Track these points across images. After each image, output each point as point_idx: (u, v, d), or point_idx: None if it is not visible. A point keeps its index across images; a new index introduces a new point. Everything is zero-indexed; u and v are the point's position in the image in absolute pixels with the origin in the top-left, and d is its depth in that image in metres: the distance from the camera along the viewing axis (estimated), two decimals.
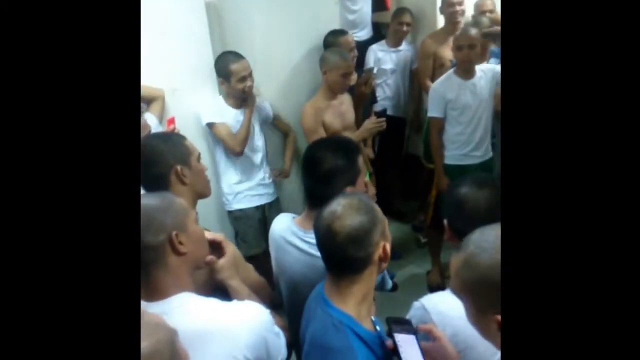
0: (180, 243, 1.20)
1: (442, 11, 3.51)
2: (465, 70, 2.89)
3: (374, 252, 1.20)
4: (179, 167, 1.53)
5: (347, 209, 1.20)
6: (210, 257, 1.34)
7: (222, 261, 1.36)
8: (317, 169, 1.54)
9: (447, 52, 3.33)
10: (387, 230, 1.25)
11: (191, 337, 1.11)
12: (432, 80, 3.49)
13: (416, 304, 1.35)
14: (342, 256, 1.20)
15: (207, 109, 2.63)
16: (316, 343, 1.22)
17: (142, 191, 1.39)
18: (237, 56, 2.55)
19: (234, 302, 1.26)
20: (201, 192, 1.62)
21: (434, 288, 3.11)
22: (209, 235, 1.37)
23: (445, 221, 1.40)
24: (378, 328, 1.25)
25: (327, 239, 1.21)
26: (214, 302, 1.23)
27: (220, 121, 2.60)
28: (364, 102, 2.97)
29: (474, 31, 2.84)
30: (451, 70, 2.96)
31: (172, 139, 1.60)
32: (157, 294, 1.18)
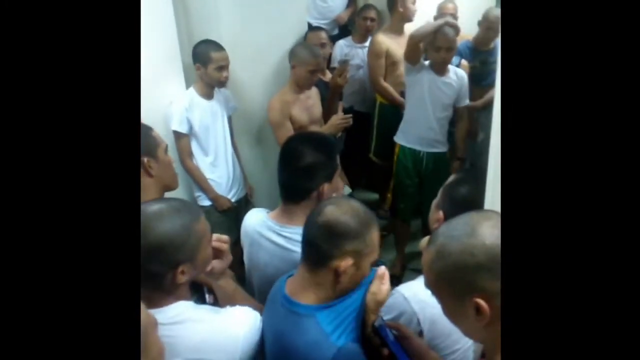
0: (183, 272, 1.15)
1: (390, 8, 3.45)
2: (439, 70, 2.96)
3: (334, 255, 1.16)
4: (145, 159, 1.51)
5: (350, 208, 1.20)
6: (211, 267, 1.29)
7: (218, 266, 1.32)
8: (297, 162, 1.51)
9: (399, 50, 3.26)
10: (365, 261, 1.19)
11: (189, 349, 1.13)
12: (385, 78, 3.48)
13: (394, 292, 1.32)
14: (310, 239, 1.20)
15: (177, 113, 2.56)
16: (285, 343, 1.19)
17: None
18: (219, 46, 2.57)
19: (229, 311, 1.24)
20: (168, 184, 1.62)
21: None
22: (215, 242, 1.32)
23: (441, 212, 1.40)
24: None
25: (312, 217, 1.21)
26: (210, 312, 1.22)
27: (185, 132, 2.57)
28: (339, 93, 2.97)
29: (452, 33, 2.84)
30: (427, 63, 3.00)
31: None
32: (152, 304, 1.15)
